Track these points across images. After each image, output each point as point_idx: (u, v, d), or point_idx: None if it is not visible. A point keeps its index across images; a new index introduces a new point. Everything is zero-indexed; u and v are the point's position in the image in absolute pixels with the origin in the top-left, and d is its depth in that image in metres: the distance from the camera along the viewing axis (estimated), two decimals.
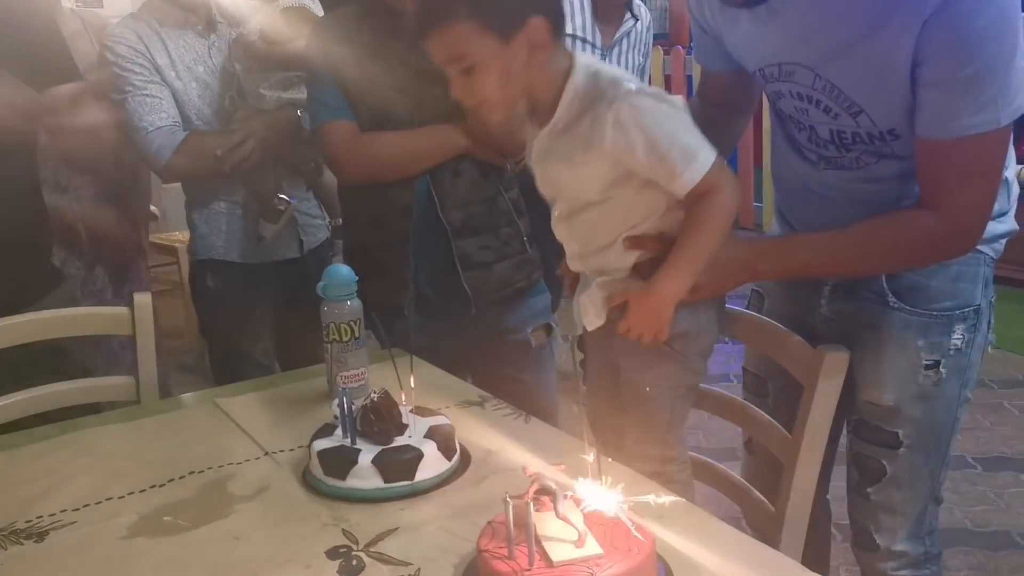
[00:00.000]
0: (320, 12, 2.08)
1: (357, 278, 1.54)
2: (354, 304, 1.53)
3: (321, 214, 2.28)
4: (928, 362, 1.42)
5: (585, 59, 1.33)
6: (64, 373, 1.71)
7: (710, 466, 1.60)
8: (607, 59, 2.69)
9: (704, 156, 1.27)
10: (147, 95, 2.00)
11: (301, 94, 2.04)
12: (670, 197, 1.33)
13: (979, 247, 1.39)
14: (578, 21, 2.67)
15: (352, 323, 1.51)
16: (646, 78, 2.91)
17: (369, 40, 1.79)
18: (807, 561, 1.14)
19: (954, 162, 1.26)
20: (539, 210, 1.62)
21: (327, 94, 1.82)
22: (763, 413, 1.46)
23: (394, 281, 1.89)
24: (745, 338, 1.53)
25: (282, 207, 2.11)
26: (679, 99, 1.31)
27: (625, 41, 2.77)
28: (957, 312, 1.41)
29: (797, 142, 1.47)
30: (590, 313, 1.41)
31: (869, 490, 1.49)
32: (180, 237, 4.07)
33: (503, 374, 1.90)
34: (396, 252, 1.87)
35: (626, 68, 2.73)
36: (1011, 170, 1.41)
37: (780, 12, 1.30)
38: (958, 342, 1.42)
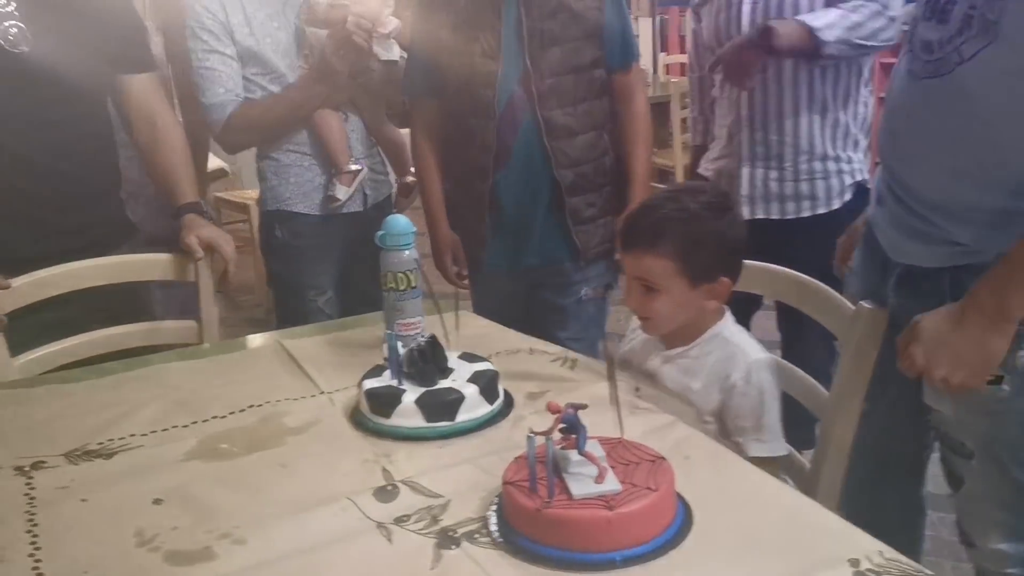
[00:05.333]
0: None
1: (415, 228, 1.58)
2: (411, 254, 1.55)
3: (385, 170, 2.34)
4: (990, 377, 1.27)
5: (729, 316, 1.51)
6: (131, 320, 1.82)
7: None
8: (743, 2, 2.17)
9: (774, 447, 1.39)
10: (207, 67, 2.07)
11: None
12: None
13: None
14: None
15: (408, 272, 1.54)
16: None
17: (464, 2, 1.97)
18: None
19: None
20: None
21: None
22: (807, 376, 1.44)
23: (473, 238, 2.10)
24: (786, 296, 1.51)
25: (356, 168, 2.18)
26: None
27: None
28: None
29: (908, 47, 1.33)
30: None
31: (954, 497, 1.43)
32: (252, 195, 4.16)
33: (553, 327, 2.00)
34: (476, 212, 2.06)
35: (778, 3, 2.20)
36: None
37: None
38: None
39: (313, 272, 2.22)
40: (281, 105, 2.12)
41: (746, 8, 2.13)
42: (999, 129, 1.21)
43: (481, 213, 2.07)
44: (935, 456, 1.53)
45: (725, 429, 1.41)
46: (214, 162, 3.75)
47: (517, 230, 2.08)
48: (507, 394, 1.37)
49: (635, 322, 1.68)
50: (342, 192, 2.17)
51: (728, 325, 1.49)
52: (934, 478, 1.62)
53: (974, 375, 1.21)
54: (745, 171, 2.16)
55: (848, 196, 2.13)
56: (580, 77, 2.00)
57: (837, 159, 2.12)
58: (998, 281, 1.19)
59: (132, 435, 1.30)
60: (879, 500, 1.55)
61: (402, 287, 1.53)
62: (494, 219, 2.08)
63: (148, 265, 1.84)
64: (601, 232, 2.09)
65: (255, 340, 1.74)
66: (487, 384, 1.32)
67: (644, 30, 6.70)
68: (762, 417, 1.39)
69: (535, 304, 2.15)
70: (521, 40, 1.95)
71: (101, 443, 1.28)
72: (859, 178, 2.15)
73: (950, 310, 1.23)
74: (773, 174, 2.14)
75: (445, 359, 1.35)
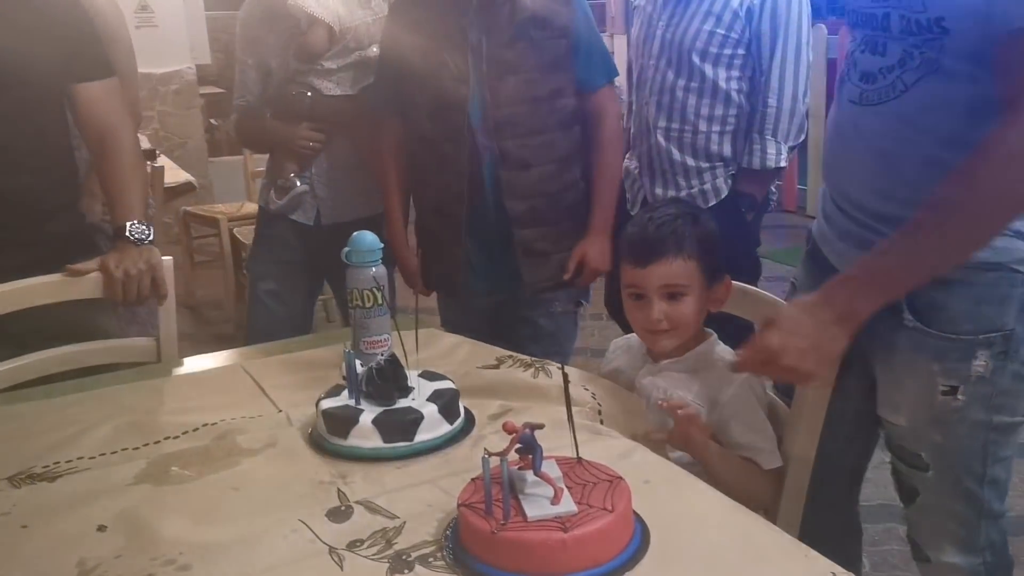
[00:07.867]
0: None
1: (382, 245, 1.54)
2: (378, 271, 1.51)
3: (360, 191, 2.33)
4: (944, 388, 1.30)
5: (716, 337, 1.54)
6: (87, 338, 1.76)
7: None
8: (659, 21, 2.35)
9: (769, 457, 1.40)
10: (237, 74, 2.37)
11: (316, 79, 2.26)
12: None
13: (1013, 266, 1.27)
14: None
15: (374, 290, 1.50)
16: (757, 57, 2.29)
17: (433, 24, 1.95)
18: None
19: None
20: None
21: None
22: (769, 392, 1.43)
23: (450, 262, 2.05)
24: (742, 311, 1.51)
25: (288, 185, 2.30)
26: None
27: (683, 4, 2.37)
28: (981, 337, 1.28)
29: (847, 78, 1.39)
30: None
31: (906, 510, 1.44)
32: (223, 209, 4.16)
33: (523, 342, 1.96)
34: (452, 235, 2.02)
35: (681, 35, 2.30)
36: None
37: None
38: (981, 369, 1.29)
39: (255, 255, 2.47)
40: (255, 127, 2.38)
41: (659, 33, 2.33)
42: (932, 148, 1.25)
43: (457, 238, 2.02)
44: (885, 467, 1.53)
45: (727, 444, 1.41)
46: (180, 175, 3.70)
47: (482, 254, 2.05)
48: (468, 413, 1.34)
49: (619, 342, 1.65)
50: (273, 203, 2.35)
51: (718, 343, 1.51)
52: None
53: (818, 365, 1.24)
54: (646, 178, 2.46)
55: (725, 193, 2.35)
56: (538, 107, 1.95)
57: (712, 168, 2.35)
58: (853, 283, 1.24)
59: (80, 458, 1.26)
60: (819, 517, 1.53)
61: (368, 304, 1.50)
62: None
63: (97, 283, 1.77)
64: (554, 267, 2.04)
65: (213, 358, 1.70)
66: (447, 403, 1.29)
67: (620, 48, 6.74)
68: (765, 431, 1.41)
69: (505, 319, 2.12)
70: (480, 69, 1.91)
71: (47, 466, 1.24)
72: (735, 170, 2.35)
73: (807, 301, 1.27)
74: (658, 182, 2.42)
75: (405, 377, 1.33)
